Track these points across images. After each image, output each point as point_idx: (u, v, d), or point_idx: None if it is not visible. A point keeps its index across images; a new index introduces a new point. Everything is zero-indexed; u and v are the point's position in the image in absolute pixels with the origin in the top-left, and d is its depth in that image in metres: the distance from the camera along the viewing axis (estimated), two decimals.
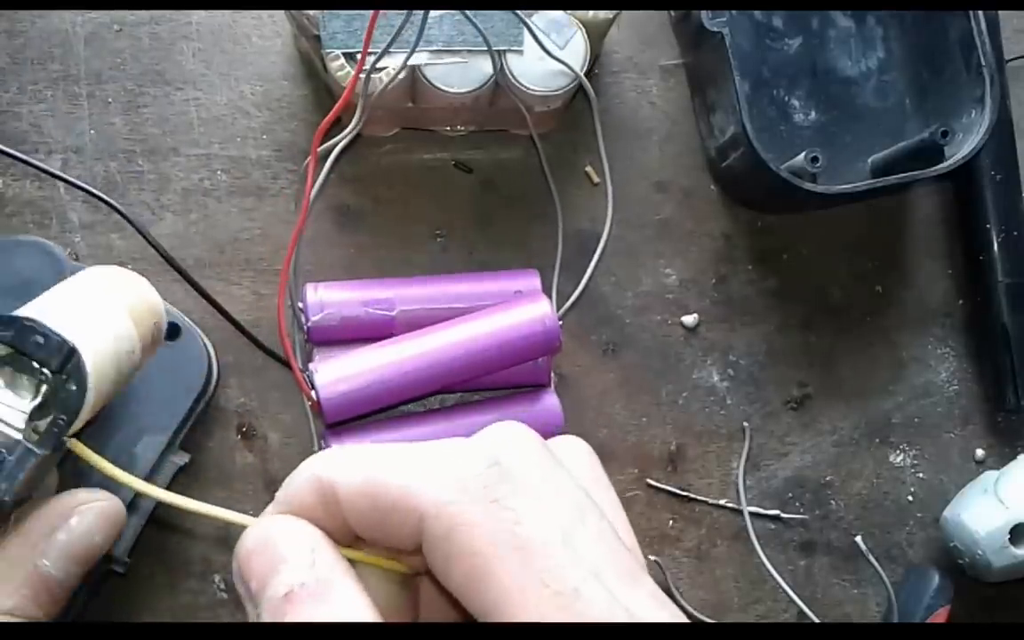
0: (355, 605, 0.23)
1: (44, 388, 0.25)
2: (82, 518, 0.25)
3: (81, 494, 0.26)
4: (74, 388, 0.25)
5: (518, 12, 0.48)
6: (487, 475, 0.23)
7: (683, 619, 0.23)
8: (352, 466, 0.24)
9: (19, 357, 0.24)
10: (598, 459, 0.28)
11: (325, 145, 0.50)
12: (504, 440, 0.25)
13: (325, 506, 0.24)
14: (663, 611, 0.23)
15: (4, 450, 0.24)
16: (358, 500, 0.24)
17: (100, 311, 0.28)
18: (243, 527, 0.25)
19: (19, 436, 0.24)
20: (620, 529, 0.25)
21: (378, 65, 0.47)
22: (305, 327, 0.50)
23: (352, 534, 0.25)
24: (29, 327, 0.25)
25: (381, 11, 0.46)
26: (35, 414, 0.25)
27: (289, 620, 0.22)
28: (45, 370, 0.25)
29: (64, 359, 0.25)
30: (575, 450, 0.28)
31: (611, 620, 0.21)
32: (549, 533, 0.22)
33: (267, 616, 0.23)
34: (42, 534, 0.25)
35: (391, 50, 0.47)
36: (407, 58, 0.47)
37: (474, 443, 0.25)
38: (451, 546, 0.22)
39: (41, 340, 0.25)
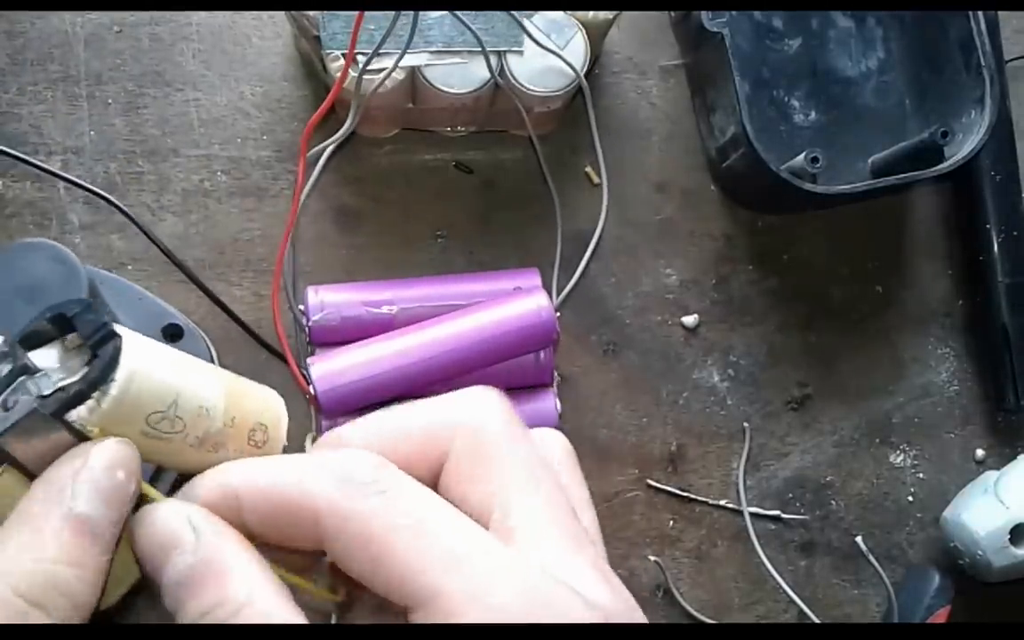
0: (257, 589, 0.23)
1: (82, 364, 0.26)
2: (100, 453, 0.25)
3: (93, 442, 0.26)
4: (99, 370, 0.25)
5: (518, 13, 0.48)
6: (375, 469, 0.24)
7: (626, 595, 0.24)
8: (253, 472, 0.25)
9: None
10: (575, 456, 0.29)
11: (320, 145, 0.50)
12: (460, 416, 0.26)
13: (228, 510, 0.25)
14: (603, 584, 0.23)
15: (16, 400, 0.25)
16: (259, 503, 0.24)
17: (196, 364, 0.29)
18: None
19: (35, 392, 0.25)
20: (584, 517, 0.26)
21: (380, 66, 0.47)
22: (306, 328, 0.50)
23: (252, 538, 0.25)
24: (88, 304, 0.26)
25: (381, 12, 0.46)
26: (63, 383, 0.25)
27: (187, 611, 0.23)
28: (82, 340, 0.26)
29: (100, 336, 0.25)
30: (550, 439, 0.29)
31: (521, 589, 0.22)
32: (441, 511, 0.23)
33: (170, 604, 0.24)
34: (65, 478, 0.25)
35: (389, 50, 0.47)
36: (399, 58, 0.47)
37: (429, 423, 0.26)
38: (351, 539, 0.23)
39: (91, 317, 0.26)
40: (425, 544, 0.22)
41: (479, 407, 0.26)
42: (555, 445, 0.28)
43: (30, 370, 0.25)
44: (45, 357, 0.26)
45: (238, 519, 0.25)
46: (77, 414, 0.25)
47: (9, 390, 0.25)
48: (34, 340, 0.26)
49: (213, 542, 0.24)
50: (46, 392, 0.25)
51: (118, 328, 0.26)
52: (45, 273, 0.44)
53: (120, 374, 0.25)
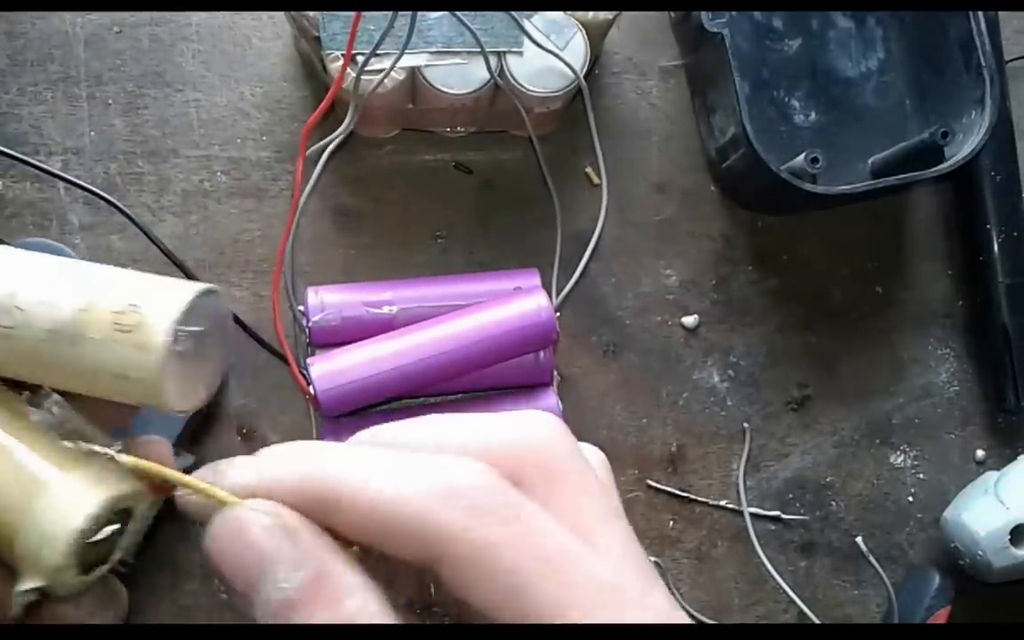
0: (368, 604, 0.21)
1: None
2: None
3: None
4: None
5: (518, 13, 0.48)
6: (502, 493, 0.22)
7: (690, 621, 0.23)
8: (356, 475, 0.22)
9: None
10: (611, 472, 0.27)
11: (318, 144, 0.50)
12: (527, 438, 0.24)
13: (322, 513, 0.22)
14: (677, 612, 0.23)
15: None
16: (366, 516, 0.22)
17: (47, 260, 0.25)
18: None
19: None
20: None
21: (379, 66, 0.47)
22: (306, 328, 0.50)
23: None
24: None
25: (381, 12, 0.46)
26: None
27: (298, 622, 0.21)
28: None
29: None
30: (592, 456, 0.27)
31: (643, 621, 0.22)
32: (571, 542, 0.22)
33: (270, 620, 0.22)
34: (113, 409, 0.25)
35: (388, 51, 0.47)
36: (397, 58, 0.47)
37: (494, 443, 0.24)
38: (478, 570, 0.21)
39: None
40: (569, 579, 0.21)
41: (546, 431, 0.24)
42: (596, 461, 0.27)
43: None
44: None
45: (325, 519, 0.22)
46: None
47: None
48: None
49: (318, 556, 0.22)
50: None
51: None
52: None
53: None
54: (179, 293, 0.24)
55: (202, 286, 0.25)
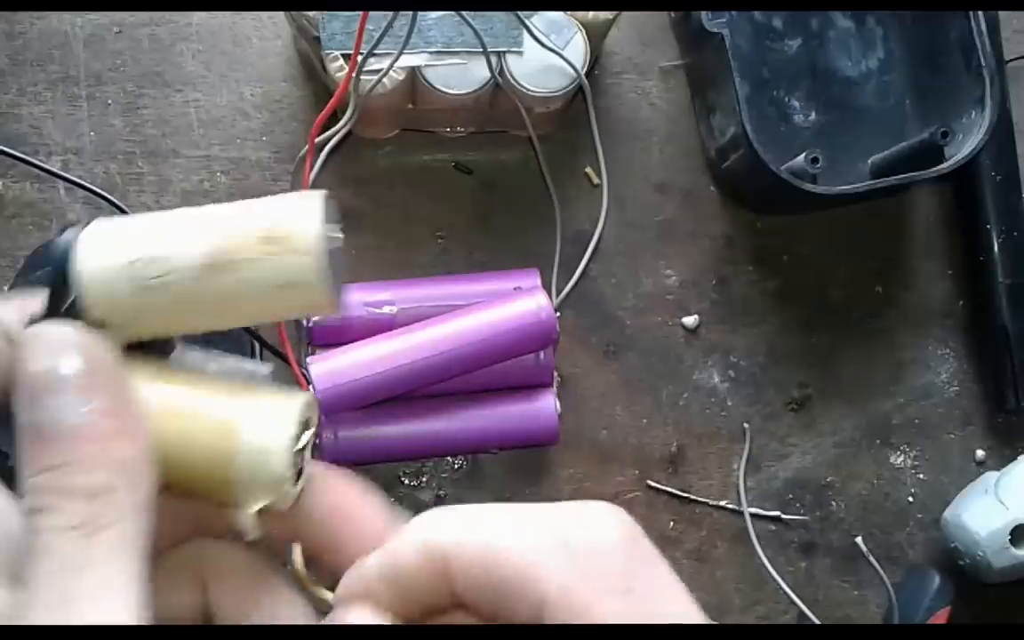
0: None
1: None
2: None
3: None
4: (55, 253, 0.25)
5: (518, 13, 0.48)
6: (613, 558, 0.22)
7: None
8: (465, 534, 0.23)
9: None
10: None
11: (317, 141, 0.50)
12: (610, 521, 0.23)
13: (435, 575, 0.23)
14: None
15: None
16: (473, 572, 0.22)
17: (158, 214, 0.26)
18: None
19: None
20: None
21: (378, 66, 0.47)
22: (306, 327, 0.50)
23: (454, 599, 0.23)
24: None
25: (381, 13, 0.46)
26: None
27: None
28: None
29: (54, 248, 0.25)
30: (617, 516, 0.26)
31: None
32: (682, 616, 0.22)
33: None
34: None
35: (389, 50, 0.47)
36: (396, 56, 0.47)
37: (585, 520, 0.23)
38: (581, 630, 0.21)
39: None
40: None
41: (619, 528, 0.23)
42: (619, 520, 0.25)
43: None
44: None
45: (443, 583, 0.23)
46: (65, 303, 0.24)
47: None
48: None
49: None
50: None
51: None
52: None
53: (79, 243, 0.25)
54: (310, 200, 0.25)
55: (323, 192, 0.26)
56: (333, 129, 0.50)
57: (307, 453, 0.26)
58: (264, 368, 0.27)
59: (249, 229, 0.25)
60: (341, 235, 0.26)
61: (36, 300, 0.25)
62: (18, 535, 0.22)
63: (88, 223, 0.25)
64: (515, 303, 0.49)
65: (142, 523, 0.21)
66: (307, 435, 0.26)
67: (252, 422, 0.25)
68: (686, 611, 0.22)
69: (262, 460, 0.25)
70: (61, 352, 0.22)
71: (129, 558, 0.21)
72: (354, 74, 0.47)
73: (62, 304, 0.24)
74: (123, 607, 0.20)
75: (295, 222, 0.25)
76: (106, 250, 0.25)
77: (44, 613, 0.20)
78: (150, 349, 0.27)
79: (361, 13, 0.45)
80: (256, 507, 0.25)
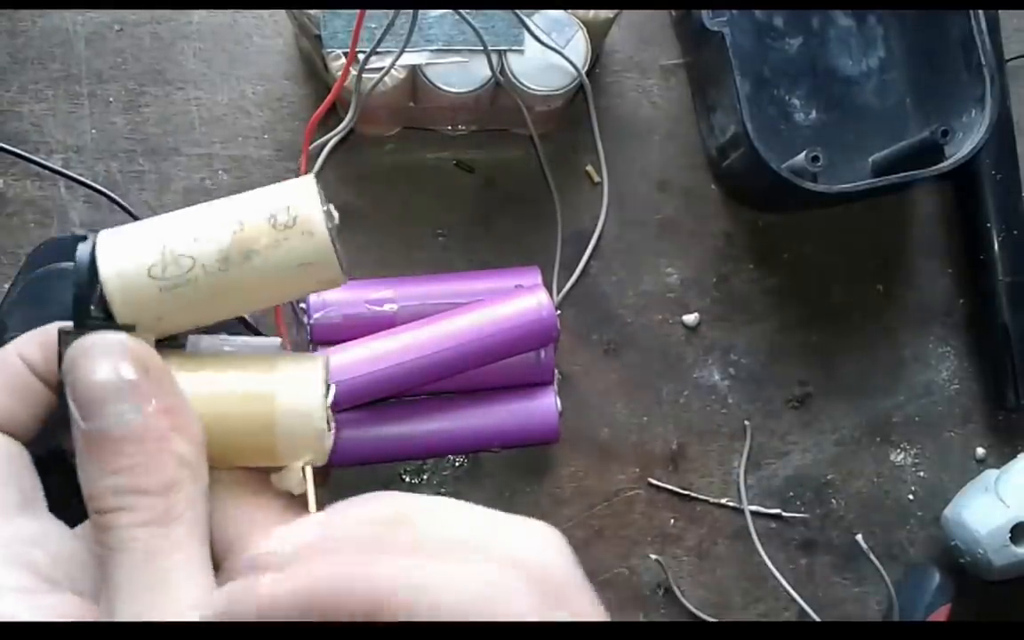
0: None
1: None
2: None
3: None
4: (79, 268, 0.26)
5: (519, 12, 0.48)
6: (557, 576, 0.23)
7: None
8: (412, 583, 0.22)
9: None
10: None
11: (318, 141, 0.50)
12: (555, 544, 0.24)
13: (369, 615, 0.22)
14: None
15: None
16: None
17: (173, 214, 0.27)
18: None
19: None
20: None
21: (380, 64, 0.47)
22: (307, 326, 0.50)
23: None
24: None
25: (382, 11, 0.46)
26: None
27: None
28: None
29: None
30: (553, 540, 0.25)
31: None
32: None
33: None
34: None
35: (389, 49, 0.47)
36: (397, 55, 0.47)
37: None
38: None
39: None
40: None
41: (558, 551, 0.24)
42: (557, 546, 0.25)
43: None
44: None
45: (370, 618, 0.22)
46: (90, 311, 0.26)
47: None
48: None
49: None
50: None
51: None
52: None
53: (99, 253, 0.26)
54: (303, 185, 0.27)
55: (310, 176, 0.28)
56: (335, 130, 0.50)
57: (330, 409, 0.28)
58: (273, 340, 0.29)
59: (260, 218, 0.26)
60: (336, 213, 0.28)
61: (51, 328, 0.26)
62: (73, 553, 0.23)
63: (97, 233, 0.27)
64: (516, 301, 0.49)
65: (205, 509, 0.23)
66: (332, 391, 0.28)
67: (286, 389, 0.27)
68: None
69: (303, 421, 0.27)
70: (116, 360, 0.23)
71: (200, 542, 0.23)
72: (351, 71, 0.47)
73: (89, 314, 0.26)
74: (203, 590, 0.22)
75: (300, 205, 0.27)
76: (127, 256, 0.26)
77: (129, 604, 0.21)
78: (165, 343, 0.28)
79: (358, 13, 0.45)
80: (300, 464, 0.27)
